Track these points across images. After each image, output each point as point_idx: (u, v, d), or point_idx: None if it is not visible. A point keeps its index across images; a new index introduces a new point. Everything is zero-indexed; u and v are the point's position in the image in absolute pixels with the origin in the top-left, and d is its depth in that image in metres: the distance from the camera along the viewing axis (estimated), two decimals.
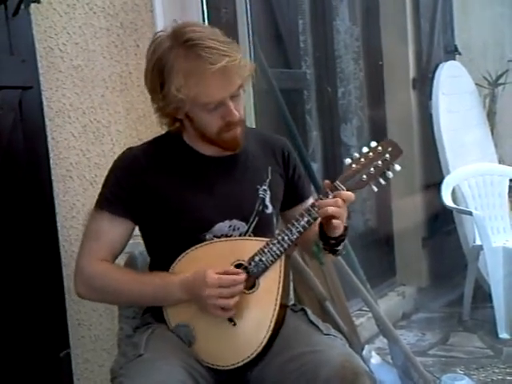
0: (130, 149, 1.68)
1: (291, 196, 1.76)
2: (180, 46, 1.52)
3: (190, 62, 1.50)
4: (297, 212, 1.61)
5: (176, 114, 1.59)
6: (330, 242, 1.59)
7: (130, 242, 1.66)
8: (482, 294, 3.66)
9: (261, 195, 1.67)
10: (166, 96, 1.54)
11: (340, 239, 1.59)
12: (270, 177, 1.70)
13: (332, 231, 1.55)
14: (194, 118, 1.58)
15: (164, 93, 1.54)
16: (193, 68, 1.50)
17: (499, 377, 2.90)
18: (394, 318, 3.48)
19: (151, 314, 1.66)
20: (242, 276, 1.51)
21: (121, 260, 1.75)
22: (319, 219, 1.55)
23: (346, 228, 1.58)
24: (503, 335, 3.30)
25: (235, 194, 1.64)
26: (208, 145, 1.63)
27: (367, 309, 2.81)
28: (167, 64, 1.52)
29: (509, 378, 2.88)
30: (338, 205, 1.50)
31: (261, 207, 1.66)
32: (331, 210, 1.49)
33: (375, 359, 2.58)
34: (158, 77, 1.54)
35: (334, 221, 1.51)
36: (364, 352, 2.55)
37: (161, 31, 1.60)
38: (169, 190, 1.60)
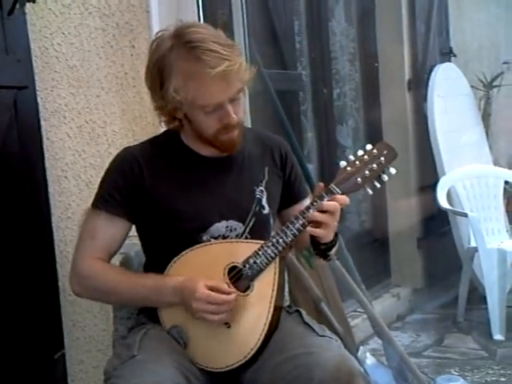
0: (126, 148, 1.68)
1: (288, 196, 1.75)
2: (181, 46, 1.52)
3: (190, 64, 1.50)
4: (293, 212, 1.61)
5: (175, 113, 1.59)
6: (320, 248, 1.59)
7: (126, 242, 1.66)
8: (477, 296, 3.67)
9: (258, 196, 1.67)
10: (164, 96, 1.54)
11: (330, 245, 1.59)
12: (266, 177, 1.70)
13: (321, 237, 1.55)
14: (191, 119, 1.59)
15: (163, 92, 1.54)
16: (192, 71, 1.50)
17: (493, 378, 2.90)
18: (388, 320, 3.48)
19: (146, 315, 1.66)
20: (232, 296, 1.50)
21: (116, 261, 1.75)
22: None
23: (336, 234, 1.58)
24: (497, 336, 3.30)
25: (232, 194, 1.64)
26: (205, 145, 1.63)
27: (362, 310, 2.81)
28: (167, 64, 1.52)
29: (503, 379, 2.89)
30: (332, 209, 1.50)
31: (258, 208, 1.66)
32: (320, 217, 1.49)
33: (370, 360, 2.58)
34: (157, 76, 1.55)
35: (319, 230, 1.51)
36: (359, 353, 2.54)
37: (163, 30, 1.59)
38: (165, 189, 1.60)
